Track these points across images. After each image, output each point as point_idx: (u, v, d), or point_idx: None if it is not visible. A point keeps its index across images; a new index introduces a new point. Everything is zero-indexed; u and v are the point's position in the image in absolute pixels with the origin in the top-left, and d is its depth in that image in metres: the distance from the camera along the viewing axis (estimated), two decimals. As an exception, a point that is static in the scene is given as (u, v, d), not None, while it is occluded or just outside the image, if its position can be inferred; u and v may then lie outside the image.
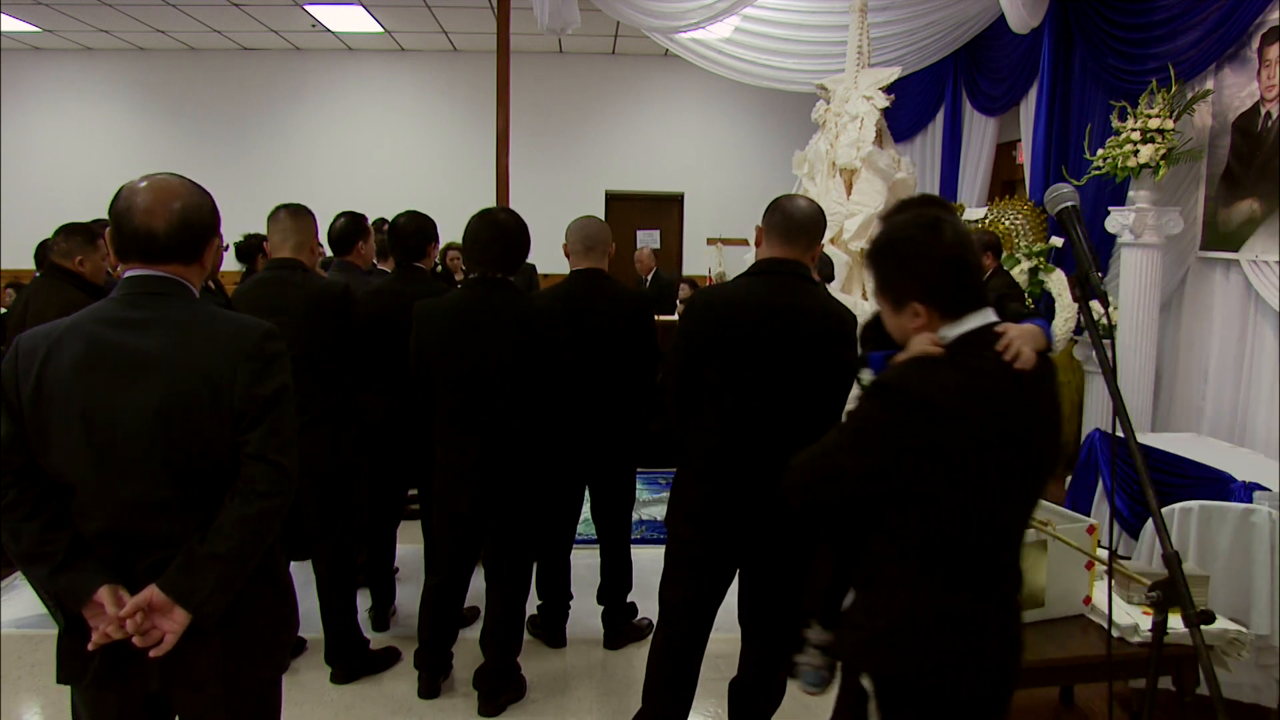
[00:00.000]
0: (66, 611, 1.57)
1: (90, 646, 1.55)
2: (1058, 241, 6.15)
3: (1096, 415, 5.70)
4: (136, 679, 1.61)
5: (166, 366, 1.56)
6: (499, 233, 2.89)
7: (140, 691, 1.63)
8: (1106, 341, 5.01)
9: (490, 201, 5.01)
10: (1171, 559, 1.42)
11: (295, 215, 3.12)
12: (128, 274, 1.63)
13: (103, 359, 1.56)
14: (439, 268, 6.36)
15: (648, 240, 10.55)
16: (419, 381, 2.94)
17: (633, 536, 3.62)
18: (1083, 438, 5.22)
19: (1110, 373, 1.53)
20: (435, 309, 2.88)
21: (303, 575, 3.44)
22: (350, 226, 3.74)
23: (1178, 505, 3.06)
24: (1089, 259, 1.60)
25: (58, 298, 3.42)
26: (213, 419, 1.58)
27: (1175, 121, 4.89)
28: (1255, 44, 4.65)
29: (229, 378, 1.58)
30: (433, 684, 3.10)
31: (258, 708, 1.77)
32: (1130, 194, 5.11)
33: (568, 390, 3.03)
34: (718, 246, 8.82)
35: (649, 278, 8.29)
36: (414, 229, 3.51)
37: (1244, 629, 2.57)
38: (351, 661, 3.21)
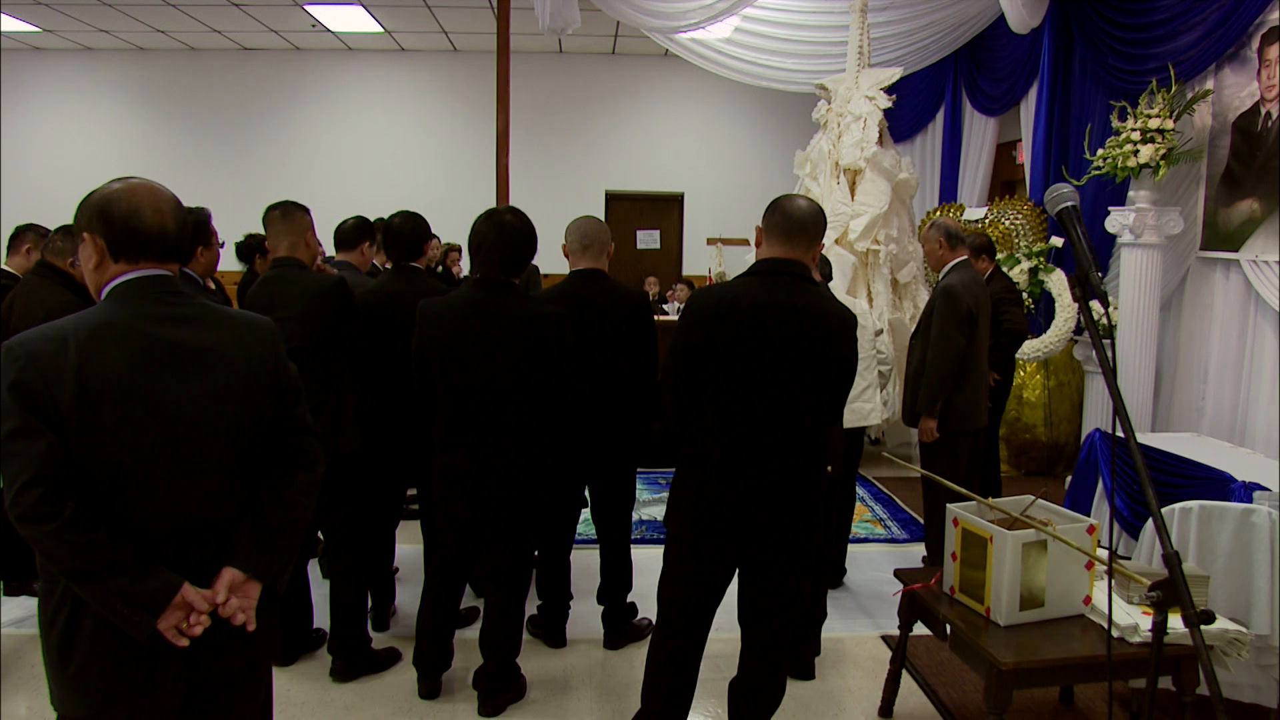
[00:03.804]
0: (155, 616, 1.53)
1: (182, 644, 1.56)
2: (1058, 241, 6.15)
3: (1096, 415, 5.71)
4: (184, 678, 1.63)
5: (225, 357, 1.64)
6: (505, 234, 2.89)
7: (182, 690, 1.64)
8: (1106, 341, 5.01)
9: (490, 201, 5.01)
10: (1171, 559, 1.42)
11: (285, 216, 3.22)
12: (140, 274, 1.62)
13: (162, 354, 1.59)
14: (439, 268, 6.37)
15: (648, 240, 10.55)
16: (420, 380, 2.95)
17: (633, 536, 3.62)
18: (1083, 438, 5.23)
19: (1110, 373, 1.53)
20: (438, 309, 2.88)
21: (314, 573, 3.45)
22: (358, 227, 3.82)
23: (1178, 505, 3.06)
24: (1089, 259, 1.60)
25: (48, 297, 3.44)
26: (268, 402, 1.70)
27: (1175, 121, 4.89)
28: (1255, 44, 4.65)
29: (272, 363, 1.71)
30: (433, 684, 3.10)
31: (268, 693, 1.83)
32: (1130, 194, 5.11)
33: (572, 395, 3.02)
34: (718, 246, 8.82)
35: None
36: (409, 229, 3.53)
37: (1244, 629, 2.56)
38: (353, 657, 3.22)
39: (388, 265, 3.87)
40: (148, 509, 1.57)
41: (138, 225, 1.61)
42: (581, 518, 3.63)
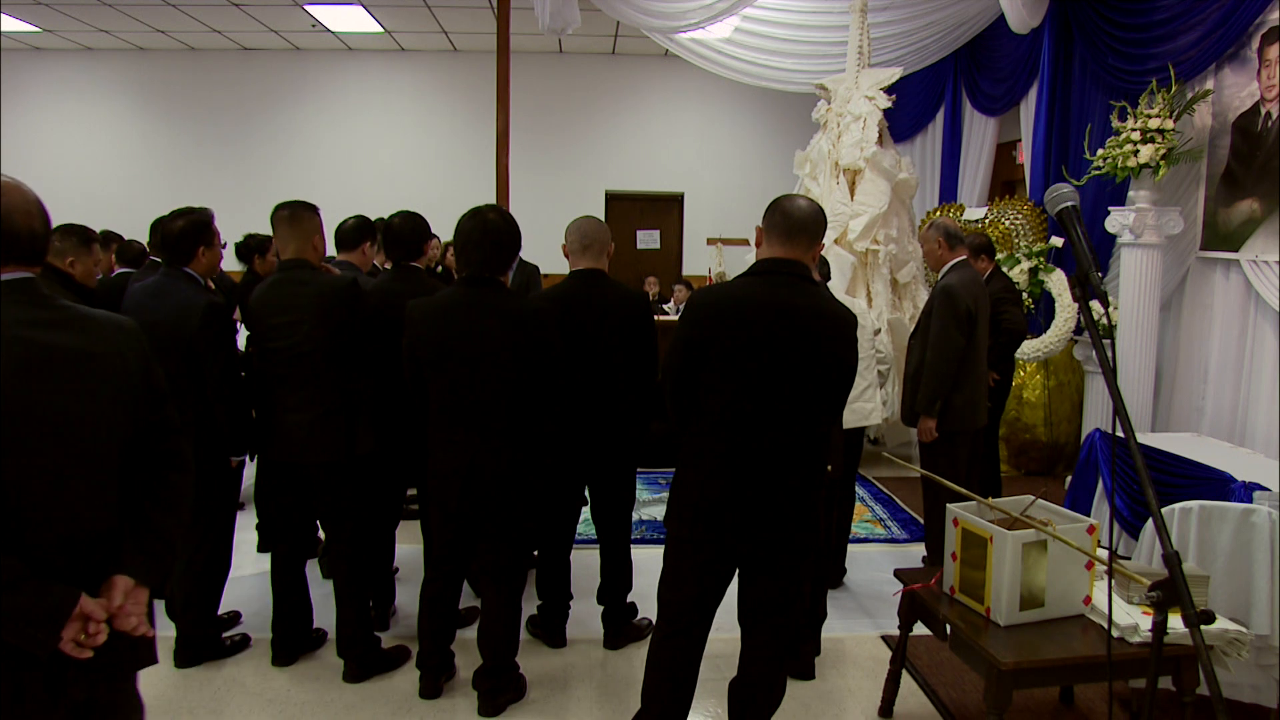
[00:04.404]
0: (57, 631, 1.48)
1: (85, 656, 1.50)
2: (1058, 241, 6.15)
3: (1096, 415, 5.71)
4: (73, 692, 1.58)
5: (101, 360, 1.60)
6: (489, 233, 2.91)
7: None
8: (1106, 341, 5.01)
9: (490, 202, 5.01)
10: (1171, 559, 1.42)
11: (294, 220, 3.19)
12: (8, 277, 1.56)
13: (41, 359, 1.53)
14: (439, 267, 6.35)
15: (648, 240, 10.56)
16: (412, 380, 2.96)
17: (633, 536, 3.62)
18: (1083, 438, 5.23)
19: (1110, 373, 1.53)
20: (427, 308, 2.90)
21: (314, 572, 3.44)
22: (359, 227, 3.82)
23: (1178, 505, 3.06)
24: (1089, 259, 1.60)
25: None
26: (143, 404, 1.68)
27: (1175, 121, 4.89)
28: (1255, 44, 4.65)
29: (144, 364, 1.69)
30: (434, 684, 3.10)
31: (137, 694, 1.79)
32: (1130, 194, 5.11)
33: (561, 389, 3.04)
34: (718, 246, 8.83)
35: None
36: (409, 229, 3.54)
37: (1244, 629, 2.56)
38: (365, 658, 3.22)
39: (387, 265, 3.87)
40: (36, 520, 1.51)
41: (7, 226, 1.55)
42: (581, 518, 3.64)
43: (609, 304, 3.29)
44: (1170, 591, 1.43)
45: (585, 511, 3.59)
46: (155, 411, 1.70)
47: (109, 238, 5.14)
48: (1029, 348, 5.73)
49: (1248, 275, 4.70)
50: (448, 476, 2.90)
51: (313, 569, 3.91)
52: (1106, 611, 2.44)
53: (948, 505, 2.81)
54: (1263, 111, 4.62)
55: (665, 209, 10.63)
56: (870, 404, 3.85)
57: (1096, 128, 5.63)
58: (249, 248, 5.02)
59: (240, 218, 6.68)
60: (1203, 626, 1.37)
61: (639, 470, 3.62)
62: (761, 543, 2.39)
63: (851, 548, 4.35)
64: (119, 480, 1.64)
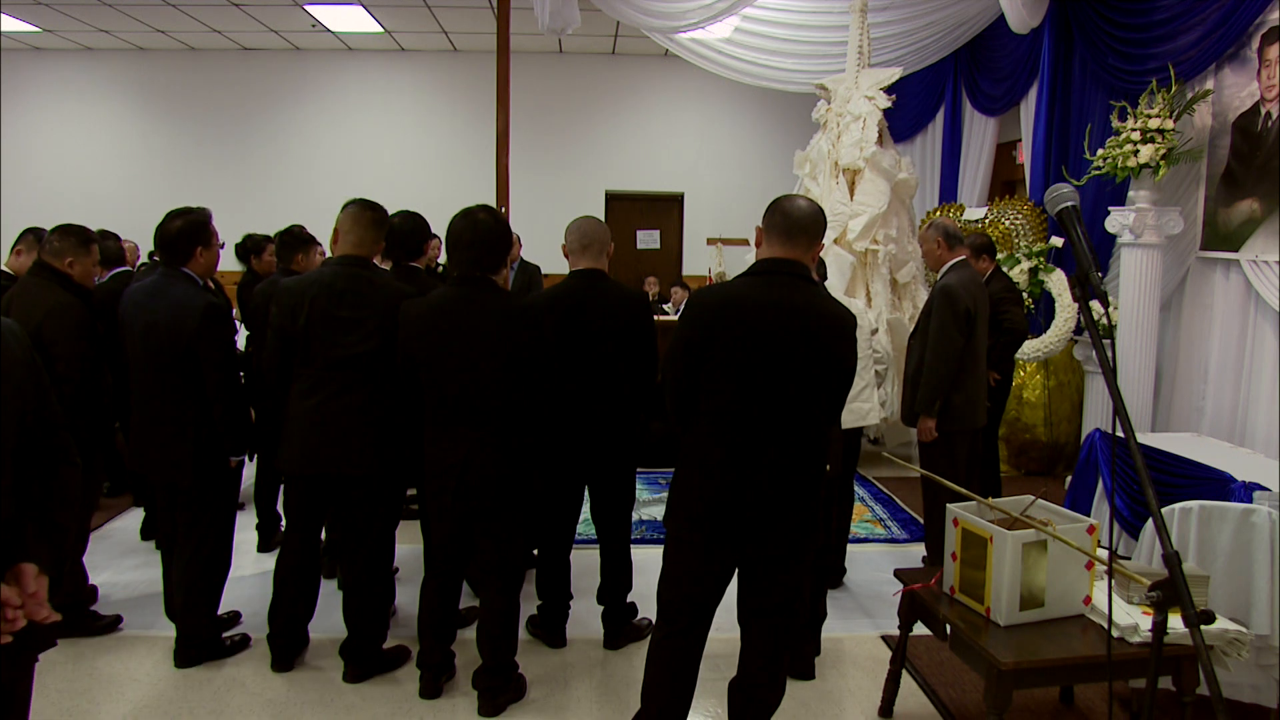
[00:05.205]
0: None
1: (6, 641, 1.57)
2: (1058, 241, 6.15)
3: (1096, 415, 5.71)
4: None
5: (6, 361, 1.64)
6: (480, 232, 2.92)
7: None
8: (1106, 341, 5.01)
9: (490, 202, 5.01)
10: (1171, 559, 1.42)
11: (378, 222, 3.12)
12: None
13: None
14: (439, 267, 6.36)
15: (648, 240, 10.56)
16: (406, 379, 2.97)
17: (633, 536, 3.62)
18: (1083, 438, 5.23)
19: (1110, 373, 1.53)
20: (419, 308, 2.92)
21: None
22: None
23: (1178, 505, 3.06)
24: (1089, 259, 1.60)
25: (46, 297, 3.37)
26: (35, 402, 1.72)
27: (1175, 121, 4.89)
28: (1255, 44, 4.65)
29: (33, 363, 1.73)
30: (434, 684, 3.10)
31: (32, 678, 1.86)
32: (1130, 194, 5.12)
33: (554, 387, 3.04)
34: (718, 246, 8.84)
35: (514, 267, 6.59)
36: (410, 229, 3.53)
37: (1244, 629, 2.56)
38: (366, 661, 3.21)
39: (387, 265, 3.87)
40: None
41: None
42: (581, 517, 3.64)
43: (609, 304, 3.29)
44: (1170, 591, 1.43)
45: (585, 511, 3.60)
46: (44, 408, 1.74)
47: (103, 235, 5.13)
48: (1029, 348, 5.73)
49: (1248, 275, 4.70)
50: (442, 474, 2.91)
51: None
52: (1106, 611, 2.44)
53: (948, 505, 2.81)
54: (1263, 111, 4.62)
55: (665, 209, 10.63)
56: (868, 404, 3.85)
57: (1096, 128, 5.63)
58: (247, 248, 5.02)
59: (240, 218, 6.69)
60: (1203, 626, 1.37)
61: (639, 470, 3.62)
62: (761, 542, 2.39)
63: (851, 548, 4.35)
64: (14, 474, 1.69)
